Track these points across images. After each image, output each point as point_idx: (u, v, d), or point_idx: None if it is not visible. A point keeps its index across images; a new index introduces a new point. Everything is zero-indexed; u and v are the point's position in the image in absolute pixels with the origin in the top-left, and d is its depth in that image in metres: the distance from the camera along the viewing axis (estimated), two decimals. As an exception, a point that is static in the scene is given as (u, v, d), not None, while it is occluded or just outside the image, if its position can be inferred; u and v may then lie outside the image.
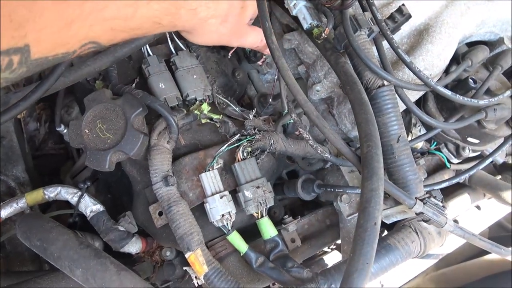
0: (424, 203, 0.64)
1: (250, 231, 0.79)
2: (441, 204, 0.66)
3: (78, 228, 0.85)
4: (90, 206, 0.79)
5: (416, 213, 0.65)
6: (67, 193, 0.79)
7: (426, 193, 0.70)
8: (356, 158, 0.65)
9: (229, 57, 0.92)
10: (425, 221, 0.67)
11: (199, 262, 0.67)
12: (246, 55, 0.96)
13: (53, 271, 0.74)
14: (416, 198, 0.65)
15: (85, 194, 0.79)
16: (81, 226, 0.88)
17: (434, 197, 0.66)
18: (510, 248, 0.75)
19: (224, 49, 0.98)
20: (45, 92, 0.62)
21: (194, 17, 0.59)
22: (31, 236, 0.68)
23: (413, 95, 0.83)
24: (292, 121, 0.87)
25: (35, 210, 0.86)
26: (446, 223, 0.65)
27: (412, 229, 0.74)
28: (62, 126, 1.01)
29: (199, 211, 0.74)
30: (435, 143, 0.96)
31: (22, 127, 1.13)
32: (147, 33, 0.54)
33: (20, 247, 0.91)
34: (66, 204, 0.82)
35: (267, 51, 0.75)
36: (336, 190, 0.81)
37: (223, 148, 0.73)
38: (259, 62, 0.92)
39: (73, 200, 0.79)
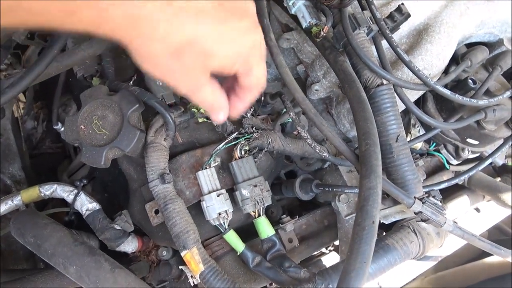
0: (423, 202, 0.64)
1: (247, 231, 0.78)
2: (440, 204, 0.65)
3: (74, 226, 0.85)
4: (86, 205, 0.78)
5: (414, 213, 0.65)
6: (63, 191, 0.78)
7: (425, 193, 0.69)
8: (354, 157, 0.65)
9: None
10: (424, 220, 0.66)
11: (195, 261, 0.66)
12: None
13: (47, 269, 0.73)
14: (414, 197, 0.65)
15: (81, 192, 0.78)
16: (77, 225, 0.87)
17: (433, 197, 0.65)
18: (510, 250, 0.75)
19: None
20: (36, 78, 0.59)
21: (133, 27, 0.42)
22: (25, 233, 0.67)
23: (412, 95, 0.83)
24: (290, 120, 0.87)
25: (30, 208, 0.86)
26: (445, 222, 0.65)
27: (410, 229, 0.73)
28: (60, 125, 1.01)
29: (196, 209, 0.73)
30: (434, 144, 0.95)
31: (19, 125, 1.13)
32: (60, 25, 0.39)
33: (15, 245, 0.90)
34: (63, 203, 0.82)
35: (213, 116, 0.57)
36: (334, 190, 0.80)
37: (220, 146, 0.73)
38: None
39: (69, 198, 0.78)
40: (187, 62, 0.47)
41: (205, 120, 0.78)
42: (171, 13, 0.43)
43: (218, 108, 0.56)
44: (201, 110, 0.78)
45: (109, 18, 0.40)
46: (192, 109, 0.76)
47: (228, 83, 0.58)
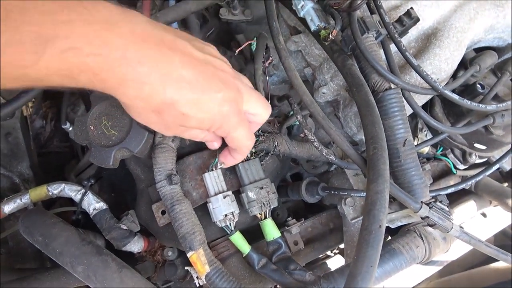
0: (430, 207, 0.64)
1: (252, 232, 0.78)
2: (447, 209, 0.65)
3: (81, 226, 0.85)
4: (93, 204, 0.79)
5: (421, 218, 0.65)
6: (71, 190, 0.79)
7: (432, 197, 0.69)
8: (362, 160, 0.65)
9: (235, 54, 0.92)
10: (431, 225, 0.66)
11: (201, 262, 0.66)
12: (252, 57, 0.96)
13: (53, 268, 0.74)
14: (421, 202, 0.64)
15: (88, 191, 0.79)
16: (84, 224, 0.88)
17: (440, 202, 0.65)
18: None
19: (230, 49, 0.98)
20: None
21: (121, 89, 0.47)
22: (33, 232, 0.68)
23: (420, 99, 0.83)
24: (297, 123, 0.87)
25: (38, 206, 0.86)
26: (452, 228, 0.65)
27: (417, 234, 0.73)
28: (68, 124, 1.02)
29: (202, 210, 0.73)
30: (441, 148, 0.95)
31: (28, 124, 1.14)
32: (59, 85, 0.44)
33: (23, 243, 0.91)
34: (70, 202, 0.82)
35: (210, 145, 0.66)
36: (341, 193, 0.80)
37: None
38: (266, 63, 0.92)
39: (77, 197, 0.79)
40: (166, 119, 0.52)
41: None
42: (156, 78, 0.47)
43: (211, 140, 0.64)
44: None
45: (103, 80, 0.45)
46: None
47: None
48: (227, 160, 0.69)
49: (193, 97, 0.51)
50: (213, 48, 0.59)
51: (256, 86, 0.79)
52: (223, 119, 0.55)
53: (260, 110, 0.62)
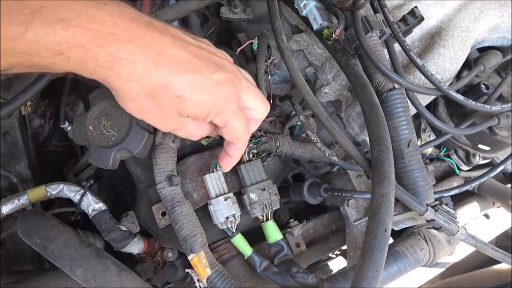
0: (435, 210, 0.63)
1: (254, 234, 0.77)
2: (452, 212, 0.64)
3: (80, 227, 0.84)
4: (92, 205, 0.78)
5: (427, 220, 0.64)
6: (70, 191, 0.78)
7: (436, 200, 0.68)
8: (366, 162, 0.64)
9: (237, 53, 0.91)
10: (436, 228, 0.65)
11: (202, 265, 0.65)
12: (254, 56, 0.95)
13: (52, 269, 0.72)
14: (427, 204, 0.63)
15: (87, 192, 0.77)
16: (83, 225, 0.86)
17: (446, 204, 0.64)
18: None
19: (231, 48, 0.96)
20: (47, 83, 0.60)
21: (113, 67, 0.45)
22: (31, 234, 0.66)
23: (424, 100, 0.82)
24: (299, 123, 0.86)
25: (36, 207, 0.85)
26: (458, 231, 0.64)
27: (421, 236, 0.72)
28: (67, 123, 1.00)
29: (203, 212, 0.72)
30: (445, 149, 0.94)
31: (26, 123, 1.13)
32: (50, 65, 0.43)
33: (21, 245, 0.89)
34: (69, 202, 0.81)
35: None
36: (343, 194, 0.79)
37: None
38: (267, 63, 0.91)
39: (76, 198, 0.78)
40: (162, 105, 0.49)
41: (207, 140, 0.76)
42: (148, 57, 0.46)
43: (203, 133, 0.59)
44: None
45: (94, 57, 0.43)
46: None
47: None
48: (225, 162, 0.64)
49: (188, 77, 0.49)
50: (208, 41, 0.57)
51: (258, 86, 0.78)
52: (222, 103, 0.52)
53: (258, 105, 0.58)
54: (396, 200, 0.67)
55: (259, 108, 0.59)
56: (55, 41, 0.40)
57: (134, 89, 0.47)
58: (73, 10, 0.41)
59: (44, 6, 0.39)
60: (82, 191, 0.77)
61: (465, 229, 0.65)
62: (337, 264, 1.11)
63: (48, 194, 0.76)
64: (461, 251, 0.94)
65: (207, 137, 0.73)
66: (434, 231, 0.72)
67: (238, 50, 0.88)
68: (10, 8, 0.38)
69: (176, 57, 0.48)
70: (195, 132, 0.57)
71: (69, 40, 0.41)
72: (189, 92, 0.49)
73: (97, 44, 0.43)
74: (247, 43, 0.87)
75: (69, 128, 0.98)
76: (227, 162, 0.65)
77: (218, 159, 0.66)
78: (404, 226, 0.70)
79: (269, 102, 0.81)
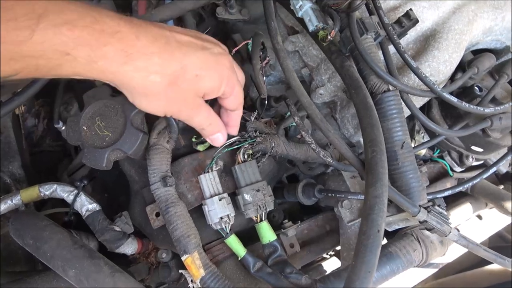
0: (428, 211, 0.63)
1: (248, 235, 0.78)
2: (445, 213, 0.64)
3: (74, 227, 0.84)
4: (86, 205, 0.77)
5: (419, 221, 0.64)
6: (63, 191, 0.77)
7: (429, 201, 0.69)
8: (360, 164, 0.64)
9: (232, 53, 0.91)
10: (429, 229, 0.65)
11: (195, 266, 0.65)
12: (249, 57, 0.95)
13: (44, 270, 0.72)
14: (420, 206, 0.64)
15: (81, 192, 0.77)
16: (76, 225, 0.86)
17: (438, 205, 0.65)
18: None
19: (227, 49, 0.96)
20: (43, 85, 0.60)
21: (128, 62, 0.46)
22: (24, 234, 0.66)
23: (418, 102, 0.82)
24: (294, 124, 0.86)
25: (30, 207, 0.85)
26: (450, 232, 0.64)
27: (414, 237, 0.72)
28: (61, 123, 1.00)
29: (197, 213, 0.72)
30: (438, 150, 0.95)
31: (20, 123, 1.12)
32: (57, 67, 0.43)
33: (14, 245, 0.88)
34: (62, 202, 0.81)
35: (212, 139, 0.65)
36: (337, 195, 0.79)
37: (221, 149, 0.72)
38: (263, 63, 0.91)
39: (69, 198, 0.77)
40: (183, 88, 0.53)
41: (205, 146, 0.76)
42: (160, 47, 0.49)
43: (217, 129, 0.63)
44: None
45: (104, 55, 0.44)
46: (192, 139, 0.76)
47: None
48: (230, 132, 0.68)
49: (198, 55, 0.53)
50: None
51: (255, 82, 0.78)
52: (228, 72, 0.58)
53: (240, 74, 0.65)
54: (390, 201, 0.67)
55: (241, 77, 0.65)
56: (62, 41, 0.41)
57: (156, 80, 0.49)
58: (77, 13, 0.42)
59: (49, 10, 0.40)
60: (75, 191, 0.77)
61: (458, 230, 0.65)
62: (331, 264, 1.11)
63: (42, 194, 0.76)
64: (454, 252, 0.95)
65: (203, 142, 0.74)
66: (426, 232, 0.73)
67: (234, 50, 0.88)
68: (16, 13, 0.38)
69: (181, 42, 0.53)
70: (205, 119, 0.61)
71: (76, 40, 0.42)
72: (204, 68, 0.54)
73: (104, 42, 0.44)
74: (243, 43, 0.87)
75: (63, 128, 0.97)
76: (231, 133, 0.68)
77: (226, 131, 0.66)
78: (397, 227, 0.70)
79: (264, 103, 0.82)
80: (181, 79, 0.52)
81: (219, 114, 0.65)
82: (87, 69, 0.45)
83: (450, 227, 0.64)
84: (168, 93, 0.52)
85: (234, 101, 0.62)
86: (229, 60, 0.59)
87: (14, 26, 0.38)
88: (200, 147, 0.75)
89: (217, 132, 0.64)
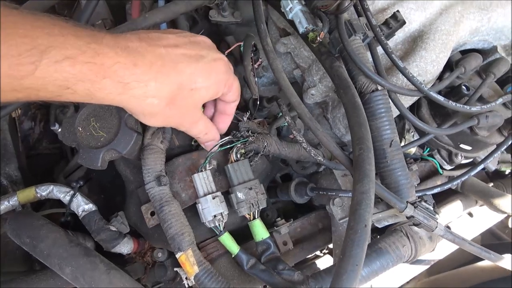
0: (415, 207, 0.65)
1: (242, 233, 0.79)
2: (432, 208, 0.66)
3: (71, 227, 0.85)
4: (82, 206, 0.79)
5: (406, 217, 0.66)
6: (60, 192, 0.79)
7: (418, 197, 0.70)
8: (349, 161, 0.66)
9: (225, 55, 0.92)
10: (416, 225, 0.67)
11: (189, 263, 0.67)
12: (242, 58, 0.96)
13: (41, 270, 0.73)
14: (407, 201, 0.65)
15: (77, 193, 0.78)
16: (73, 226, 0.87)
17: (425, 201, 0.66)
18: (500, 254, 0.76)
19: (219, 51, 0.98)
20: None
21: (125, 92, 0.48)
22: (21, 234, 0.67)
23: (407, 101, 0.84)
24: (286, 124, 0.88)
25: (27, 208, 0.86)
26: (436, 227, 0.66)
27: (403, 233, 0.74)
28: (57, 125, 1.01)
29: (191, 211, 0.74)
30: (428, 149, 0.96)
31: (16, 125, 1.13)
32: (56, 97, 0.45)
33: (11, 246, 0.89)
34: (59, 203, 0.82)
35: (206, 145, 0.72)
36: (329, 193, 0.81)
37: (214, 148, 0.74)
38: (255, 65, 0.93)
39: (65, 199, 0.78)
40: (181, 105, 0.55)
41: None
42: (156, 71, 0.51)
43: (212, 137, 0.69)
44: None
45: (102, 88, 0.46)
46: (192, 142, 0.78)
47: (209, 109, 0.70)
48: (226, 123, 0.72)
49: (192, 70, 0.55)
50: (187, 32, 0.64)
51: (247, 82, 0.80)
52: (224, 76, 0.60)
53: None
54: (380, 198, 0.69)
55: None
56: (63, 77, 0.43)
57: (154, 103, 0.52)
58: (78, 47, 0.44)
59: (51, 46, 0.42)
60: (72, 192, 0.78)
61: (444, 226, 0.67)
62: (324, 262, 1.13)
63: (38, 195, 0.77)
64: (444, 249, 0.96)
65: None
66: (415, 228, 0.74)
67: (226, 52, 0.90)
68: (19, 50, 0.40)
69: (175, 59, 0.54)
70: (203, 129, 0.66)
71: (76, 75, 0.44)
72: (199, 81, 0.56)
73: (103, 75, 0.46)
74: (235, 45, 0.88)
75: (60, 130, 0.98)
76: (226, 122, 0.73)
77: (219, 125, 0.72)
78: (386, 223, 0.72)
79: (257, 104, 0.83)
80: (178, 97, 0.54)
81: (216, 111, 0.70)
82: (86, 99, 0.47)
83: (437, 222, 0.66)
84: (166, 112, 0.55)
85: (232, 96, 0.67)
86: (224, 63, 0.61)
87: (17, 62, 0.40)
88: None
89: (212, 140, 0.70)
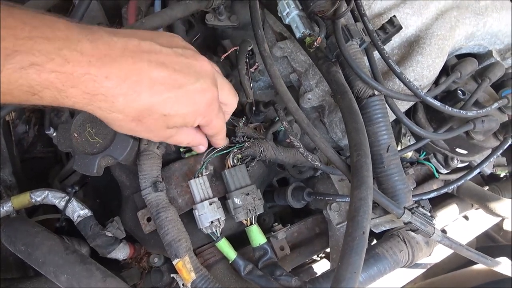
0: (412, 213, 0.65)
1: (239, 239, 0.79)
2: (429, 214, 0.66)
3: (66, 233, 0.84)
4: (77, 211, 0.78)
5: (404, 223, 0.66)
6: (54, 197, 0.78)
7: (415, 202, 0.71)
8: (346, 167, 0.66)
9: (221, 59, 0.92)
10: (413, 230, 0.67)
11: (186, 269, 0.66)
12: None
13: (36, 276, 0.72)
14: (404, 207, 0.66)
15: (72, 198, 0.78)
16: (68, 231, 0.86)
17: (422, 207, 0.66)
18: (499, 259, 0.76)
19: (216, 55, 0.98)
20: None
21: (92, 103, 0.46)
22: (15, 241, 0.66)
23: (403, 106, 0.84)
24: (283, 128, 0.88)
25: (21, 214, 0.85)
26: (433, 233, 0.66)
27: (400, 238, 0.74)
28: (52, 129, 1.00)
29: (188, 217, 0.73)
30: (424, 153, 0.97)
31: (10, 129, 1.12)
32: (24, 102, 0.43)
33: (5, 252, 0.88)
34: (54, 208, 0.81)
35: (195, 149, 0.70)
36: (326, 198, 0.81)
37: (211, 154, 0.73)
38: (252, 69, 0.92)
39: (61, 204, 0.78)
40: (149, 125, 0.52)
41: (192, 153, 0.78)
42: (127, 87, 0.47)
43: (197, 144, 0.66)
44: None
45: (69, 96, 0.44)
46: (180, 149, 0.78)
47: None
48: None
49: (170, 95, 0.50)
50: (178, 38, 0.58)
51: (242, 86, 0.80)
52: (206, 109, 0.55)
53: (231, 100, 0.64)
54: (377, 203, 0.69)
55: (231, 102, 0.65)
56: (28, 83, 0.41)
57: (118, 118, 0.49)
58: (46, 54, 0.41)
59: (17, 50, 0.39)
60: (67, 197, 0.78)
61: (441, 231, 0.67)
62: (321, 266, 1.13)
63: (33, 200, 0.76)
64: (440, 253, 0.97)
65: (190, 151, 0.76)
66: (412, 233, 0.74)
67: (223, 57, 0.89)
68: None
69: (155, 79, 0.49)
70: (184, 139, 0.62)
71: (42, 83, 0.42)
72: (174, 108, 0.51)
73: (71, 84, 0.43)
74: (232, 49, 0.88)
75: (54, 134, 0.98)
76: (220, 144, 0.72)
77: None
78: (383, 228, 0.72)
79: (252, 108, 0.83)
80: (146, 118, 0.50)
81: None
82: (54, 104, 0.45)
83: (434, 228, 0.66)
84: (133, 127, 0.52)
85: (210, 131, 0.63)
86: (211, 97, 0.55)
87: None
88: (187, 155, 0.77)
89: (198, 145, 0.68)
